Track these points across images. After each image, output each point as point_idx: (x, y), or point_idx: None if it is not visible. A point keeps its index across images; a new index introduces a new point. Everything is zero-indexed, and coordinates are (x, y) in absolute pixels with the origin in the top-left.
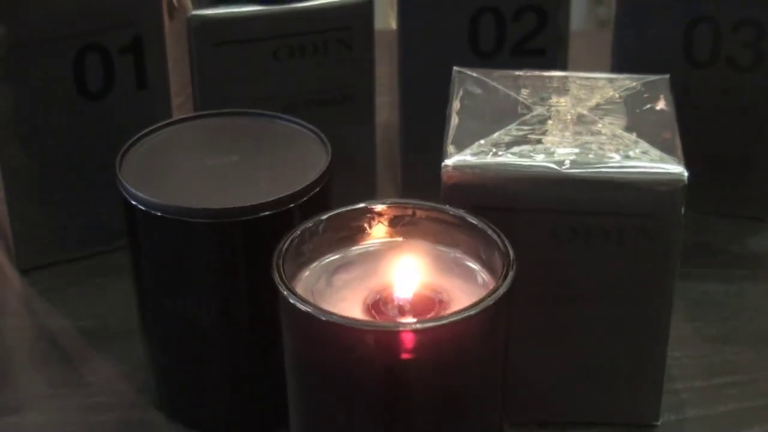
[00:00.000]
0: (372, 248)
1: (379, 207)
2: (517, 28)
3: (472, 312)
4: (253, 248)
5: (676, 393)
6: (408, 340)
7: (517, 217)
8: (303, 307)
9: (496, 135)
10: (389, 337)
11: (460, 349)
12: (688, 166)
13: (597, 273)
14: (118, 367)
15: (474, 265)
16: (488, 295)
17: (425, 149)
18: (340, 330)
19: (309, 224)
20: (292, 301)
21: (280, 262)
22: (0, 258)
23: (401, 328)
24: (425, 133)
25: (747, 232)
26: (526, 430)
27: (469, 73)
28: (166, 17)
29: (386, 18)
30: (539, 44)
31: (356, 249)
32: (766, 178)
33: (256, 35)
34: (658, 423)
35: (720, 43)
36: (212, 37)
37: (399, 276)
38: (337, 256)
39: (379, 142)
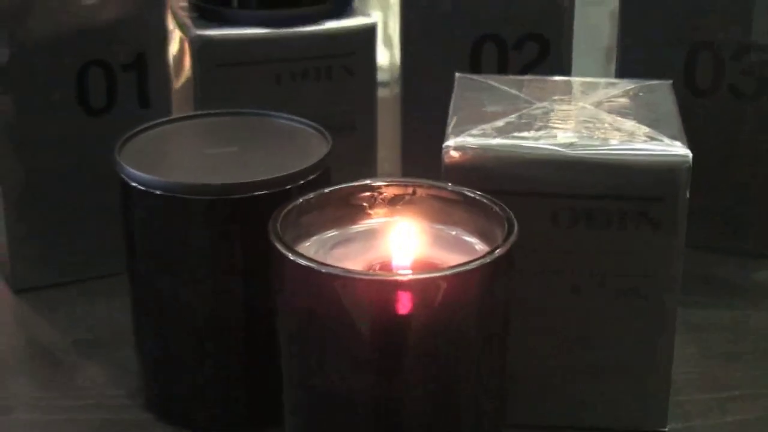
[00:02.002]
0: (371, 226)
1: (379, 184)
2: (519, 56)
3: (470, 267)
4: (249, 228)
5: (682, 405)
6: (405, 289)
7: (518, 201)
8: (302, 262)
9: (498, 122)
10: (386, 286)
11: (458, 304)
12: (691, 199)
13: (599, 260)
14: (110, 373)
15: (475, 241)
16: (488, 253)
17: None
18: (339, 282)
19: (308, 196)
20: (291, 257)
21: (277, 225)
22: None
23: (398, 278)
24: (426, 167)
25: (750, 266)
26: None
27: (471, 77)
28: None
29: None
30: (541, 74)
31: (355, 227)
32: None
33: (259, 58)
34: (665, 429)
35: (722, 71)
36: (215, 58)
37: (398, 249)
38: (335, 233)
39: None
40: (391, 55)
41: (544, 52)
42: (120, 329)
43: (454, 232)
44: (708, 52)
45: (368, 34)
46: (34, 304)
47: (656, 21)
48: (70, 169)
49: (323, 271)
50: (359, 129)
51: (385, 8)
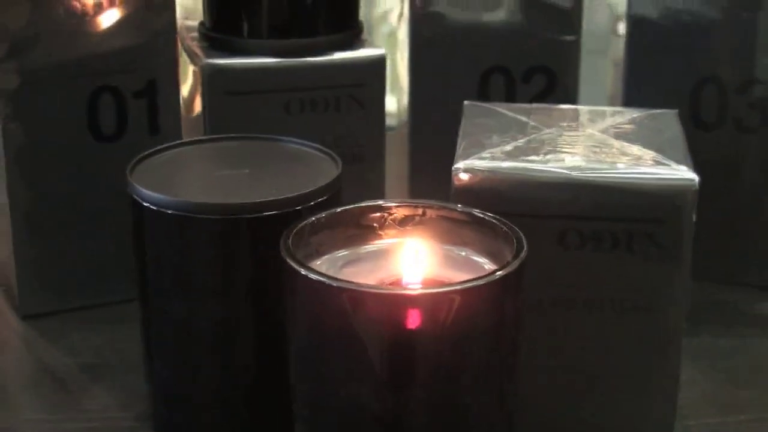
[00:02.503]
0: (382, 247)
1: (389, 204)
2: (527, 89)
3: (479, 282)
4: (260, 248)
5: (688, 428)
6: (415, 303)
7: (526, 223)
8: (313, 276)
9: (506, 146)
10: (397, 300)
11: (468, 320)
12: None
13: (606, 281)
14: (117, 397)
15: (484, 261)
16: (497, 270)
17: None
18: (349, 296)
19: (319, 216)
20: (303, 272)
21: (288, 242)
22: (0, 302)
23: (409, 292)
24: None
25: (755, 297)
26: None
27: (480, 104)
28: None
29: None
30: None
31: (366, 247)
32: None
33: (269, 87)
34: None
35: (726, 105)
36: (225, 86)
37: (408, 269)
38: (346, 252)
39: None
40: (399, 100)
41: (551, 85)
42: (127, 355)
43: (463, 253)
44: (713, 86)
45: (377, 65)
46: (40, 329)
47: (661, 56)
48: (80, 196)
49: (334, 285)
50: (368, 160)
51: (392, 49)
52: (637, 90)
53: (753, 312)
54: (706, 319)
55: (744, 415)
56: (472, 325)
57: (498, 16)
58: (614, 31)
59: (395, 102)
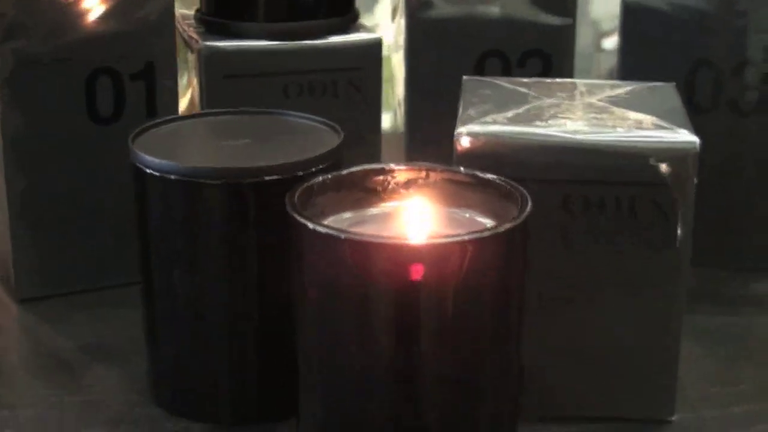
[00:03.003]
0: (386, 209)
1: (393, 168)
2: (522, 73)
3: (485, 234)
4: (263, 212)
5: (689, 399)
6: (423, 254)
7: (530, 188)
8: (322, 230)
9: (507, 113)
10: (405, 251)
11: (473, 272)
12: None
13: (609, 249)
14: (119, 376)
15: (489, 222)
16: (502, 223)
17: None
18: (358, 248)
19: (324, 177)
20: (311, 226)
21: (295, 200)
22: None
23: (417, 243)
24: None
25: (751, 278)
26: (539, 427)
27: (479, 78)
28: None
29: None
30: None
31: (370, 210)
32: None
33: (267, 70)
34: (673, 419)
35: (721, 88)
36: (223, 69)
37: (413, 229)
38: (350, 215)
39: None
40: (395, 119)
41: (547, 68)
42: (128, 337)
43: (467, 214)
44: (708, 69)
45: (374, 49)
46: (39, 313)
47: (656, 39)
48: (77, 179)
49: (342, 237)
50: (366, 144)
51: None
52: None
53: (747, 293)
54: (701, 299)
55: (743, 385)
56: (479, 277)
57: (493, 4)
58: (598, 48)
59: (390, 120)
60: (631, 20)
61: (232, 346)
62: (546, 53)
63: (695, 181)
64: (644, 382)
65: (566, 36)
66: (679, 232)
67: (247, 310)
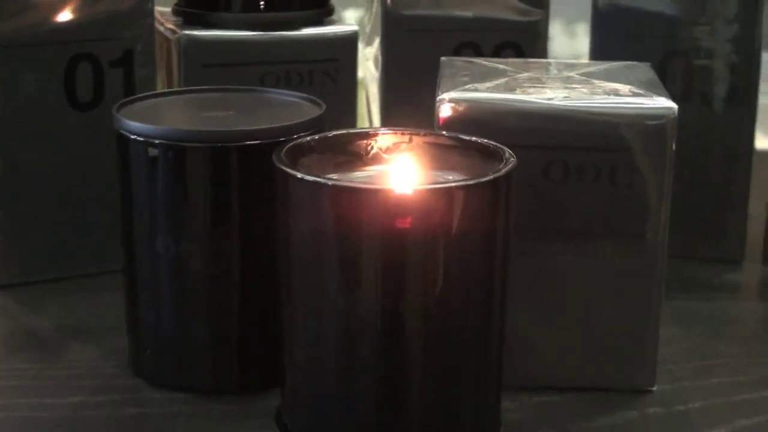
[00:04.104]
0: (370, 172)
1: (377, 132)
2: None
3: (470, 182)
4: (246, 177)
5: (670, 370)
6: (408, 200)
7: None
8: (309, 178)
9: (488, 84)
10: (392, 197)
11: (457, 219)
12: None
13: (590, 214)
14: (98, 352)
15: None
16: (487, 173)
17: None
18: (346, 195)
19: (309, 138)
20: (299, 175)
21: (281, 154)
22: None
23: (403, 189)
24: None
25: (724, 270)
26: (522, 396)
27: (456, 58)
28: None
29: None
30: None
31: (355, 173)
32: (742, 222)
33: (244, 60)
34: (654, 389)
35: (692, 79)
36: (201, 58)
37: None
38: (335, 176)
39: None
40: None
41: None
42: (106, 319)
43: (451, 176)
44: (679, 61)
45: (349, 41)
46: (16, 297)
47: (628, 31)
48: (56, 164)
49: (330, 184)
50: None
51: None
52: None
53: (721, 282)
54: (676, 288)
55: (722, 359)
56: (465, 225)
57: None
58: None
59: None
60: (601, 17)
61: (214, 313)
62: (518, 45)
63: (673, 147)
64: (625, 352)
65: (538, 29)
66: (660, 198)
67: (229, 277)
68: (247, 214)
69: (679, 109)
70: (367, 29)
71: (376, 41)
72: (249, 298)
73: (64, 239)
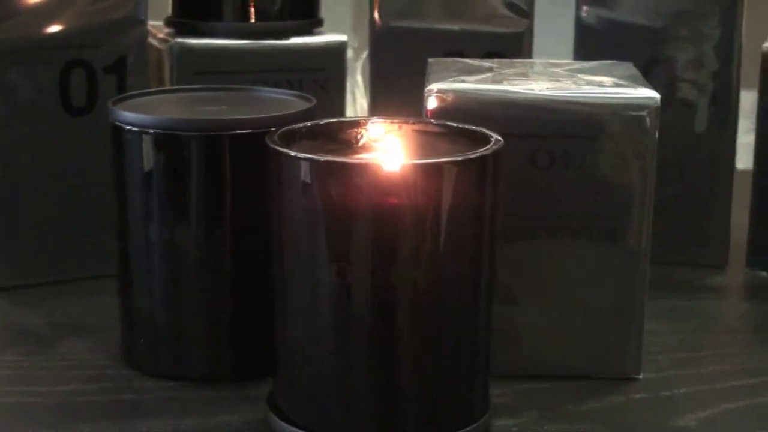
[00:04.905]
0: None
1: (367, 120)
2: None
3: (458, 158)
4: (238, 165)
5: (656, 362)
6: (398, 175)
7: None
8: (302, 155)
9: (475, 77)
10: (382, 172)
11: (447, 194)
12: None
13: (576, 201)
14: (91, 346)
15: None
16: (475, 150)
17: None
18: (337, 170)
19: (303, 124)
20: (292, 153)
21: (275, 137)
22: None
23: (394, 165)
24: None
25: (707, 273)
26: (510, 383)
27: (444, 59)
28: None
29: None
30: None
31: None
32: (724, 227)
33: (235, 68)
34: (640, 377)
35: (674, 85)
36: (193, 66)
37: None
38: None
39: None
40: None
41: None
42: (100, 319)
43: None
44: (660, 67)
45: (338, 51)
46: (10, 299)
47: (610, 37)
48: (48, 169)
49: (322, 160)
50: None
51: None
52: None
53: (703, 284)
54: (660, 289)
55: (707, 351)
56: (454, 200)
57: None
58: None
59: None
60: (584, 30)
61: (207, 299)
62: (503, 55)
63: (656, 135)
64: (611, 340)
65: (523, 38)
66: (644, 184)
67: (222, 264)
68: (240, 201)
69: (661, 115)
70: (356, 44)
71: (365, 53)
72: (242, 285)
73: (58, 243)
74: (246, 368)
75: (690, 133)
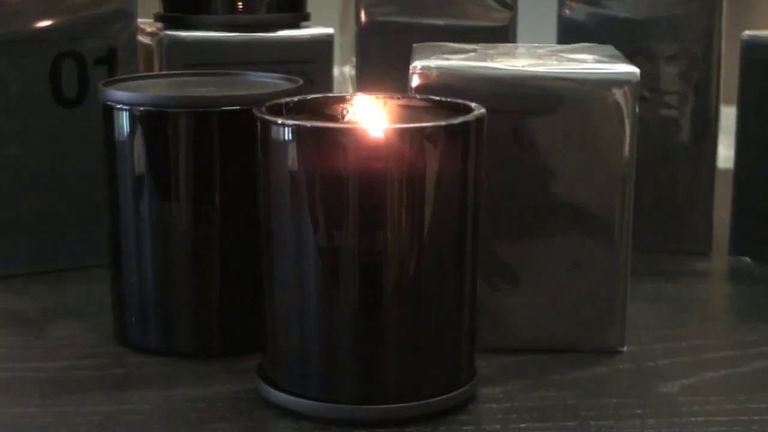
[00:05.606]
0: None
1: (352, 96)
2: None
3: (441, 123)
4: (226, 141)
5: (640, 337)
6: (383, 139)
7: None
8: (290, 122)
9: (459, 55)
10: (367, 136)
11: (431, 159)
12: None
13: (559, 179)
14: (82, 328)
15: None
16: (459, 118)
17: None
18: (324, 135)
19: (290, 98)
20: (280, 120)
21: (263, 108)
22: None
23: (377, 131)
24: None
25: (689, 259)
26: (495, 356)
27: (428, 43)
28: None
29: None
30: None
31: None
32: (708, 216)
33: (224, 60)
34: (624, 349)
35: (658, 77)
36: (182, 58)
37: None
38: None
39: None
40: None
41: None
42: (90, 303)
43: None
44: (642, 59)
45: (325, 44)
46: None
47: (592, 32)
48: (39, 160)
49: (309, 126)
50: None
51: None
52: None
53: (685, 269)
54: (643, 274)
55: (689, 327)
56: (438, 165)
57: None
58: None
59: None
60: (567, 25)
61: (197, 275)
62: None
63: (637, 110)
64: (594, 314)
65: (506, 33)
66: (623, 161)
67: (211, 239)
68: (229, 177)
69: (644, 107)
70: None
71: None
72: (231, 261)
73: (48, 234)
74: (236, 344)
75: (671, 131)
